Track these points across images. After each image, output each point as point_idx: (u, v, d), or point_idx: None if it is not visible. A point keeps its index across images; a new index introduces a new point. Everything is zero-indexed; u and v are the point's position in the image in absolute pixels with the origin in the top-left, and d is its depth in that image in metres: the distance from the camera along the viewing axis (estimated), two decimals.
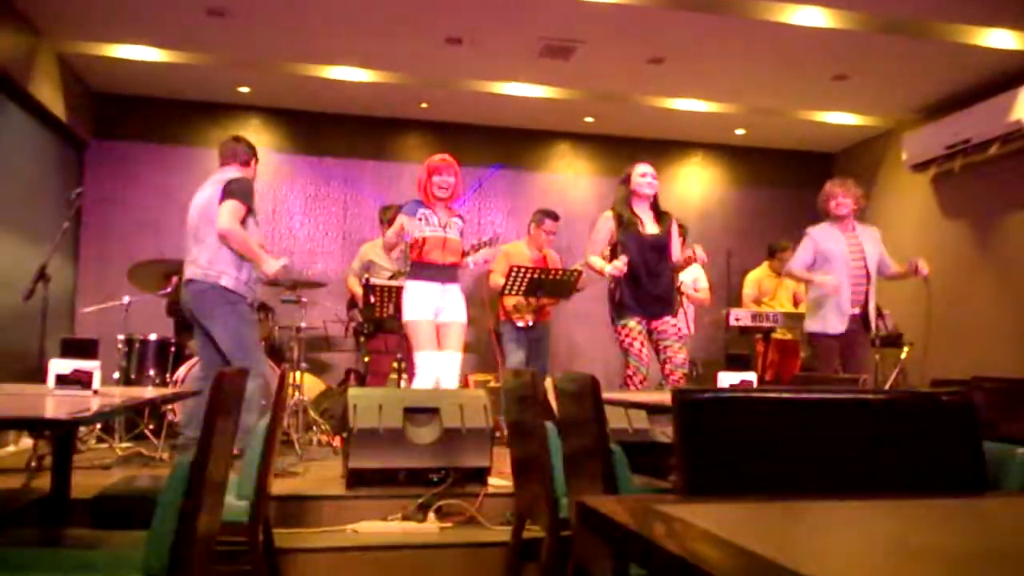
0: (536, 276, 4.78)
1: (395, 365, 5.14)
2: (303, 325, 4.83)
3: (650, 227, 4.02)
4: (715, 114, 6.33)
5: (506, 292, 4.84)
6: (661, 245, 4.00)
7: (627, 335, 3.98)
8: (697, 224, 7.05)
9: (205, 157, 6.23)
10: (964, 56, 5.07)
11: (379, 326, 5.07)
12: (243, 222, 3.61)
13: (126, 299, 4.53)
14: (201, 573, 1.79)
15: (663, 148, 7.02)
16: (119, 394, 2.39)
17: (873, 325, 4.35)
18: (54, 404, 2.02)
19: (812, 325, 4.38)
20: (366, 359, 5.30)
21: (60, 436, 2.15)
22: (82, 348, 2.25)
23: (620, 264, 3.85)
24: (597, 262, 4.02)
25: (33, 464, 3.40)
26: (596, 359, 6.36)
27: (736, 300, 6.02)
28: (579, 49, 5.11)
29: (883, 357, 5.42)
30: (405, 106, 6.27)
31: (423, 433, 3.36)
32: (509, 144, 6.70)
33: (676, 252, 4.11)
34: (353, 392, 3.46)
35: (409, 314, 3.89)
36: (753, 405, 1.00)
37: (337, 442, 4.62)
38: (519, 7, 4.58)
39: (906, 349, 5.83)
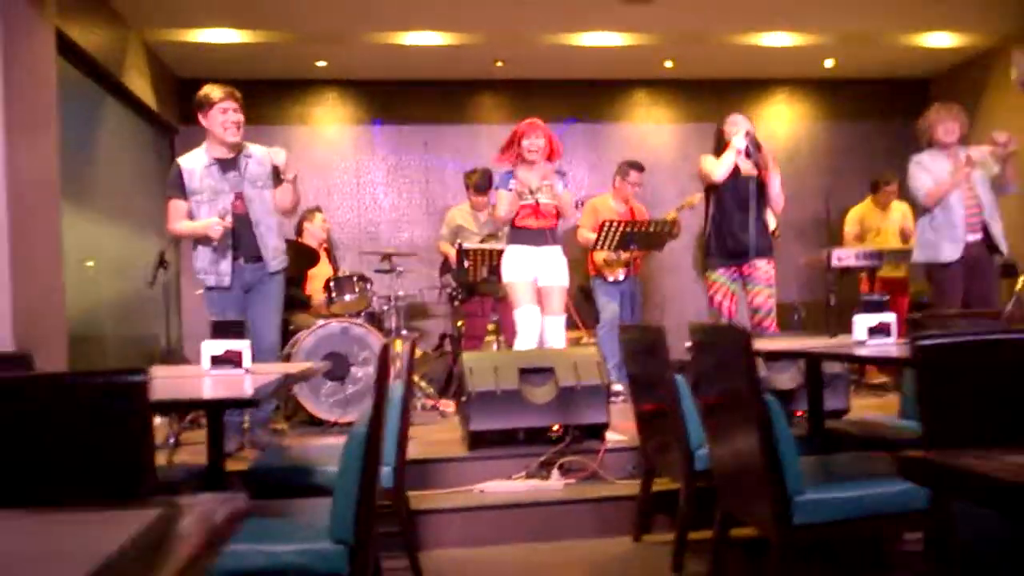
0: (629, 229, 4.70)
1: (490, 327, 5.20)
2: (400, 293, 4.90)
3: (744, 166, 3.97)
4: (801, 47, 6.02)
5: (598, 247, 4.78)
6: (757, 184, 3.95)
7: (712, 288, 4.08)
8: (787, 166, 6.77)
9: (288, 134, 6.34)
10: None
11: (472, 290, 5.11)
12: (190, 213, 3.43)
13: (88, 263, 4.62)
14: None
15: (746, 88, 6.74)
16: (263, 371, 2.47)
17: (1004, 248, 4.09)
18: (220, 384, 2.10)
19: (922, 254, 4.17)
20: (459, 323, 5.36)
21: (214, 411, 2.23)
22: (232, 329, 2.32)
23: (741, 139, 3.92)
24: (933, 186, 4.00)
25: (172, 441, 3.57)
26: (687, 310, 6.26)
27: (837, 239, 5.79)
28: None
29: (989, 293, 5.15)
30: (479, 67, 6.20)
31: (539, 392, 3.39)
32: (585, 97, 6.56)
33: (775, 187, 4.03)
34: (467, 356, 3.50)
35: (508, 276, 3.97)
36: (996, 349, 0.93)
37: (443, 405, 4.71)
38: None
39: (1021, 279, 5.51)
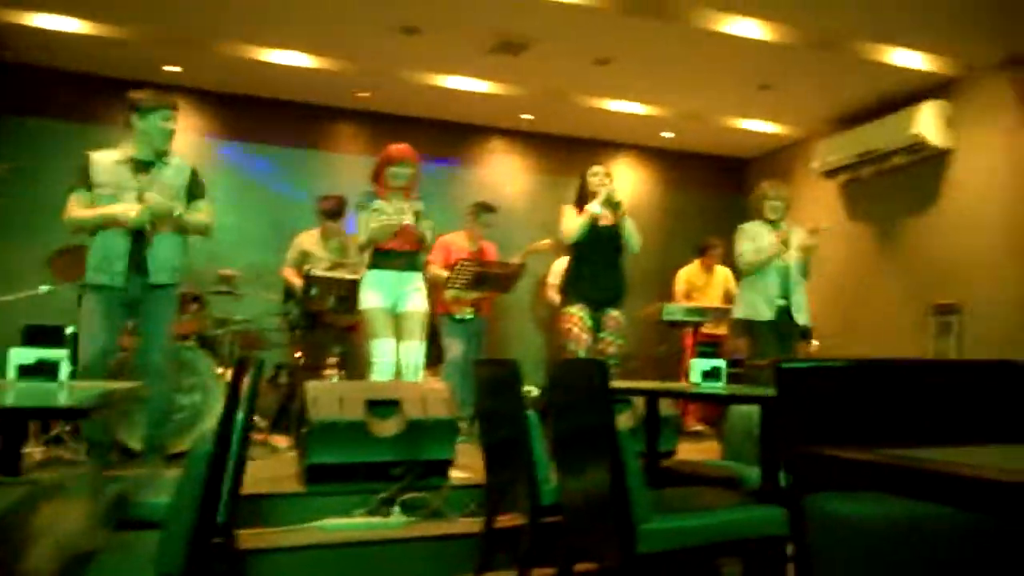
0: (480, 269, 4.79)
1: (331, 360, 5.03)
2: (238, 318, 4.64)
3: (603, 218, 4.17)
4: (647, 116, 6.54)
5: (450, 285, 4.82)
6: (615, 236, 4.15)
7: (569, 320, 4.14)
8: None
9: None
10: (874, 72, 5.47)
11: (316, 319, 4.93)
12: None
13: (43, 288, 4.21)
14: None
15: (594, 147, 7.17)
16: (78, 386, 2.22)
17: (800, 318, 4.59)
18: (26, 395, 1.86)
19: (742, 312, 4.60)
20: (297, 354, 5.14)
21: (13, 430, 1.98)
22: (47, 335, 2.07)
23: (597, 204, 4.05)
24: (754, 256, 4.26)
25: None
26: (526, 351, 6.44)
27: (668, 295, 6.23)
28: (530, 46, 5.16)
29: (795, 350, 5.77)
30: (343, 95, 6.14)
31: (386, 425, 3.31)
32: (446, 137, 6.67)
33: (632, 243, 4.26)
34: (311, 385, 3.36)
35: (366, 302, 3.85)
36: (846, 372, 1.06)
37: (275, 440, 4.47)
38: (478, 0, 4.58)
39: (815, 342, 6.22)
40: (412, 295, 3.90)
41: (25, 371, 1.98)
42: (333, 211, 5.06)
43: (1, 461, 1.89)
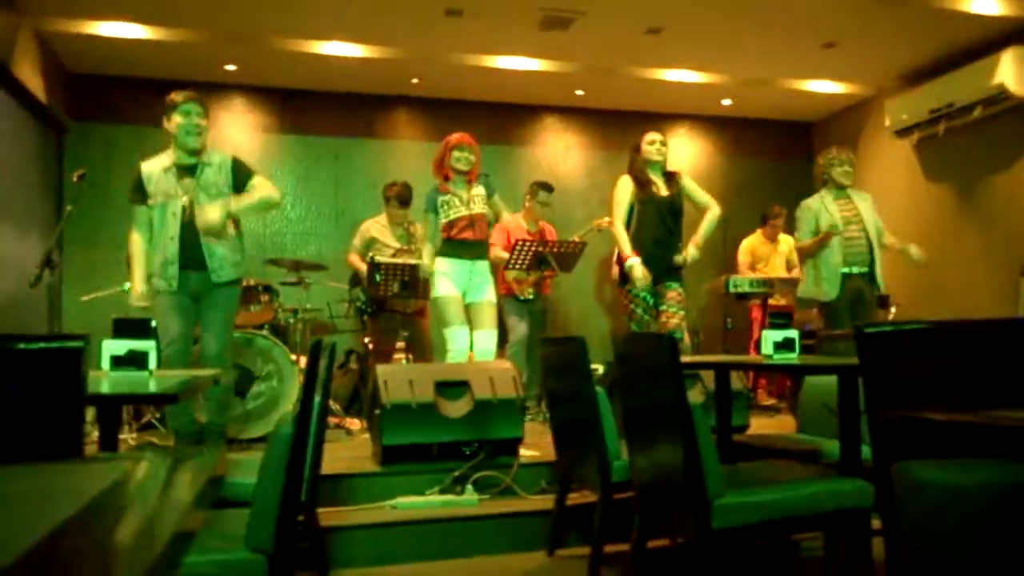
0: (541, 249, 4.77)
1: (399, 345, 5.12)
2: (308, 307, 4.76)
3: (663, 189, 4.10)
4: (704, 84, 6.37)
5: (511, 266, 4.83)
6: (676, 207, 4.09)
7: (631, 300, 4.09)
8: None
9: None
10: (946, 21, 5.17)
11: (382, 305, 5.02)
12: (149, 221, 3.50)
13: (127, 285, 4.40)
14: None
15: (650, 120, 7.00)
16: (166, 375, 2.33)
17: (882, 287, 4.43)
18: (120, 383, 1.96)
19: (806, 291, 4.49)
20: (366, 340, 5.25)
21: (109, 416, 2.09)
22: (136, 328, 2.17)
23: (636, 263, 3.97)
24: (624, 245, 4.06)
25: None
26: (591, 330, 6.40)
27: (732, 267, 6.10)
28: (578, 20, 5.09)
29: (871, 318, 5.58)
30: (395, 82, 6.18)
31: (455, 406, 3.36)
32: (499, 118, 6.66)
33: (701, 199, 4.20)
34: (382, 369, 3.43)
35: (439, 290, 3.94)
36: (929, 335, 1.02)
37: (349, 424, 4.58)
38: None
39: (893, 310, 5.99)
40: (483, 285, 3.99)
41: (117, 361, 2.09)
42: (400, 197, 5.11)
43: (101, 444, 2.00)
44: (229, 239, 3.50)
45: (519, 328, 5.25)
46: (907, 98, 6.08)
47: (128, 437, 4.07)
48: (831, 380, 2.71)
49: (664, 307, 4.09)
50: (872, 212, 4.50)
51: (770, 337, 2.58)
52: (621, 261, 4.14)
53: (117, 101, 5.91)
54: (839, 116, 7.14)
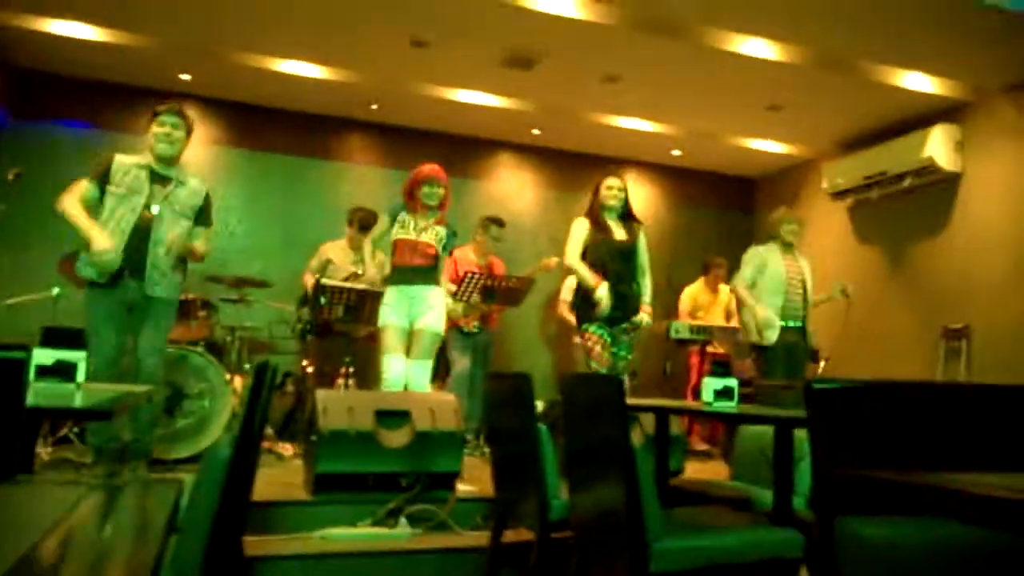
0: (489, 283, 4.79)
1: (343, 370, 5.03)
2: (247, 324, 4.65)
3: (619, 234, 4.15)
4: (656, 134, 6.57)
5: (457, 298, 4.82)
6: (628, 252, 4.14)
7: (588, 339, 4.09)
8: None
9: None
10: (883, 95, 5.50)
11: (329, 328, 4.93)
12: (91, 204, 3.40)
13: (55, 291, 4.23)
14: None
15: (602, 163, 7.17)
16: (94, 388, 2.23)
17: (812, 341, 4.64)
18: (43, 395, 1.86)
19: (748, 336, 4.67)
20: (304, 363, 5.14)
21: (30, 430, 1.98)
22: (66, 337, 2.08)
23: (603, 295, 3.96)
24: (587, 276, 4.06)
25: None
26: (534, 366, 6.42)
27: (673, 313, 6.23)
28: (541, 61, 5.19)
29: (802, 371, 5.77)
30: (353, 106, 6.17)
31: (394, 436, 3.30)
32: (454, 151, 6.69)
33: (643, 261, 4.25)
34: (321, 394, 3.36)
35: (381, 318, 3.91)
36: (878, 393, 1.07)
37: (282, 448, 4.46)
38: (489, 14, 4.61)
39: (822, 364, 6.21)
40: (427, 312, 3.91)
41: (43, 372, 1.99)
42: (362, 222, 5.07)
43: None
44: (174, 260, 3.47)
45: (462, 361, 5.23)
46: (843, 163, 6.40)
47: (43, 452, 3.86)
48: (765, 429, 2.78)
49: (615, 349, 4.12)
50: (809, 274, 4.77)
51: (711, 384, 2.64)
52: (584, 297, 4.12)
53: (62, 101, 5.72)
54: (781, 174, 7.45)
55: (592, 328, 4.06)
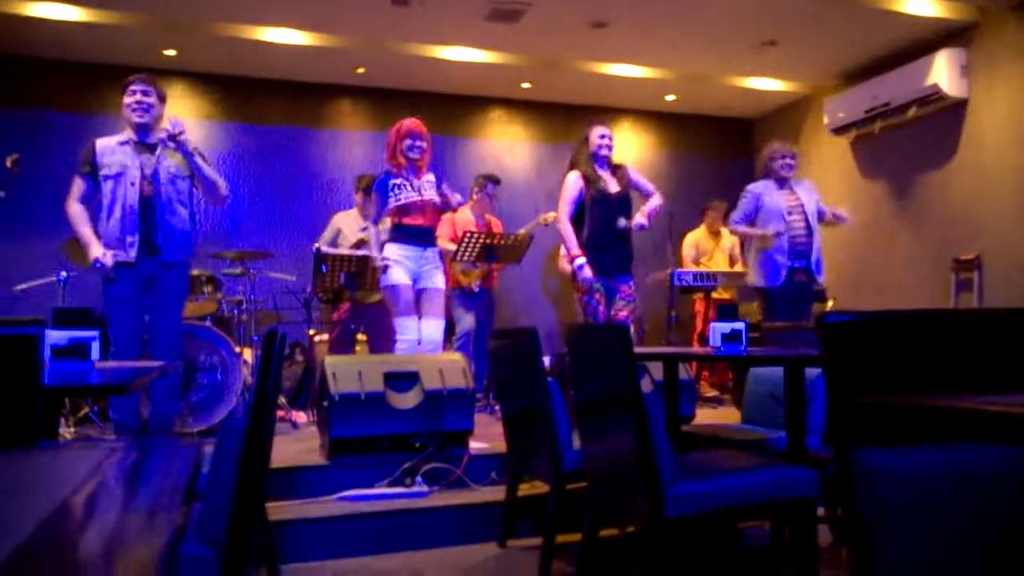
0: (488, 242, 4.77)
1: (361, 337, 5.06)
2: (252, 298, 4.65)
3: (612, 185, 4.12)
4: (648, 80, 6.46)
5: (458, 258, 4.81)
6: (626, 203, 4.12)
7: (584, 292, 4.11)
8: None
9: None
10: (883, 22, 5.36)
11: (339, 296, 4.94)
12: (90, 197, 3.43)
13: (62, 274, 4.22)
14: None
15: (595, 113, 7.06)
16: (110, 365, 2.24)
17: (820, 276, 4.58)
18: (60, 375, 1.87)
19: (753, 279, 4.60)
20: (311, 332, 5.16)
21: (50, 409, 2.00)
22: (78, 317, 2.08)
23: (584, 264, 3.99)
24: (572, 244, 4.08)
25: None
26: (539, 320, 6.43)
27: (676, 261, 6.22)
28: (526, 12, 5.09)
29: (813, 311, 5.77)
30: (340, 71, 6.07)
31: (405, 398, 3.33)
32: (444, 110, 6.61)
33: (647, 190, 4.22)
34: (330, 360, 3.38)
35: (389, 278, 3.87)
36: (890, 324, 1.06)
37: (295, 416, 4.50)
38: None
39: (831, 303, 6.21)
40: (432, 272, 3.96)
41: (58, 352, 2.00)
42: (368, 189, 5.05)
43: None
44: (181, 218, 3.47)
45: (466, 320, 5.24)
46: (844, 97, 6.29)
47: (65, 432, 3.90)
48: (775, 371, 2.79)
49: (615, 300, 4.14)
50: (812, 197, 4.63)
51: (718, 329, 2.64)
52: (571, 257, 4.16)
53: (49, 85, 5.64)
54: (779, 113, 7.34)
55: (587, 282, 4.08)
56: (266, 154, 6.16)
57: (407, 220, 3.90)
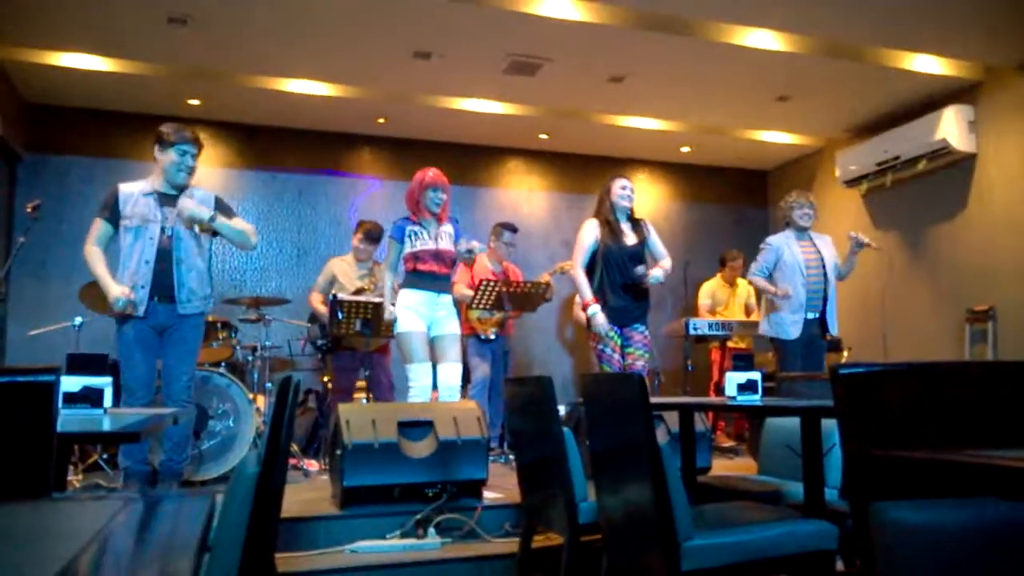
0: (505, 289, 4.79)
1: (360, 384, 5.04)
2: (267, 344, 4.67)
3: (630, 238, 4.14)
4: (664, 132, 6.55)
5: (474, 305, 4.83)
6: (640, 256, 4.13)
7: (599, 342, 4.10)
8: None
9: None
10: (894, 79, 5.45)
11: (339, 343, 4.94)
12: (108, 240, 3.46)
13: (77, 320, 4.27)
14: None
15: (611, 164, 7.19)
16: (121, 412, 2.25)
17: (834, 329, 4.56)
18: (72, 422, 1.88)
19: (769, 330, 4.58)
20: (325, 379, 5.16)
21: (60, 456, 2.00)
22: (92, 364, 2.10)
23: (597, 311, 4.01)
24: (585, 292, 4.08)
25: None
26: (554, 370, 6.41)
27: (692, 310, 6.20)
28: (544, 66, 5.20)
29: (828, 362, 5.71)
30: (361, 121, 6.21)
31: (418, 446, 3.31)
32: (463, 160, 6.72)
33: (659, 252, 4.24)
34: (344, 408, 3.37)
35: (402, 324, 3.87)
36: (903, 375, 1.05)
37: (307, 464, 4.48)
38: (490, 22, 4.62)
39: (846, 353, 6.15)
40: (447, 318, 3.96)
41: (69, 399, 2.01)
42: (369, 234, 5.11)
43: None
44: (198, 271, 3.49)
45: (481, 368, 5.23)
46: (856, 150, 6.34)
47: (73, 479, 3.90)
48: (792, 421, 2.75)
49: (630, 349, 4.12)
50: (832, 251, 4.65)
51: (733, 379, 2.62)
52: (584, 305, 4.16)
53: (74, 132, 5.80)
54: (792, 165, 7.40)
55: (601, 330, 4.06)
56: (286, 200, 6.27)
57: (421, 267, 3.93)
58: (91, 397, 2.04)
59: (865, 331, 6.28)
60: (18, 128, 5.51)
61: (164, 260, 3.39)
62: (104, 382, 2.06)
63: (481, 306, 4.77)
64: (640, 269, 4.06)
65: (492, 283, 4.71)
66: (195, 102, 5.78)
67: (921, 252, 6.06)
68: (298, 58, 5.12)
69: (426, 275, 3.92)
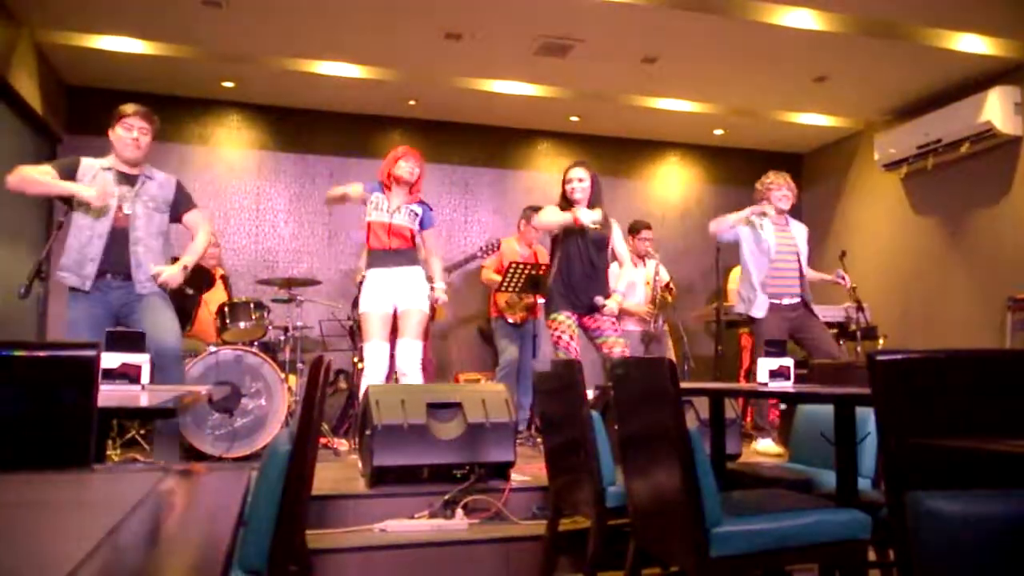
0: (534, 272, 4.79)
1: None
2: (299, 324, 4.73)
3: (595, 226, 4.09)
4: (697, 114, 6.45)
5: (503, 288, 4.83)
6: (602, 241, 4.09)
7: (555, 328, 4.05)
8: (679, 223, 7.18)
9: (185, 153, 6.06)
10: (935, 59, 5.29)
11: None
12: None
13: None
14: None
15: (642, 147, 7.13)
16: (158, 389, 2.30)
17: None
18: (113, 397, 1.93)
19: (738, 306, 4.60)
20: (355, 359, 5.22)
21: (99, 431, 2.05)
22: (129, 341, 2.15)
23: (581, 211, 3.98)
24: (561, 215, 4.09)
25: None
26: (582, 354, 6.38)
27: (723, 295, 6.13)
28: (576, 47, 5.15)
29: (863, 349, 5.62)
30: (392, 103, 6.22)
31: (447, 428, 3.34)
32: (494, 142, 6.70)
33: (621, 250, 4.24)
34: (373, 388, 3.41)
35: (363, 305, 3.94)
36: (941, 364, 1.03)
37: (338, 444, 4.54)
38: (521, 3, 4.59)
39: (881, 341, 6.04)
40: (411, 293, 3.92)
41: (107, 375, 2.06)
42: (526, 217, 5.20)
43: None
44: (155, 252, 3.38)
45: (509, 351, 5.25)
46: (895, 133, 6.19)
47: (112, 453, 4.01)
48: (824, 408, 2.72)
49: (602, 339, 4.08)
50: (804, 241, 4.60)
51: (765, 365, 2.59)
52: (556, 285, 4.09)
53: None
54: (829, 148, 7.25)
55: (560, 317, 4.01)
56: (318, 183, 6.32)
57: (375, 243, 3.95)
58: (129, 374, 2.09)
59: (902, 318, 6.17)
60: (58, 110, 5.62)
61: (120, 238, 3.29)
62: (142, 359, 2.11)
63: (510, 289, 4.78)
64: (599, 300, 4.01)
65: (521, 266, 4.71)
66: (229, 84, 5.84)
67: (961, 238, 5.90)
68: (330, 40, 5.13)
69: (379, 253, 3.93)
